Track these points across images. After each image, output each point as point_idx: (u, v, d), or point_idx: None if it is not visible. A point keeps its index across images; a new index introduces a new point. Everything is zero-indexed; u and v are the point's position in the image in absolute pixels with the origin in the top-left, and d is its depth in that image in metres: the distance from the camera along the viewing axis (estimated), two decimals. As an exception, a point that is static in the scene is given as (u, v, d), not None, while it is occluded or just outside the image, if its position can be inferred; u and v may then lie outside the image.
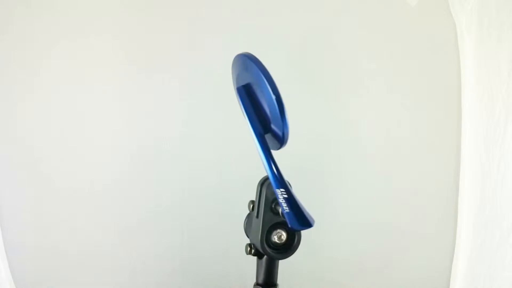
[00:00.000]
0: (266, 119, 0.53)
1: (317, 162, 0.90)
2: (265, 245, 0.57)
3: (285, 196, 0.51)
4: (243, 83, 0.55)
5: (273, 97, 0.48)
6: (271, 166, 0.52)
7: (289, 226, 0.53)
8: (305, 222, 0.52)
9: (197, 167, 0.88)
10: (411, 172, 0.88)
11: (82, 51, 0.85)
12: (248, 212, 0.62)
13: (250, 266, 0.63)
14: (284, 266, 0.62)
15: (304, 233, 0.65)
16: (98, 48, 0.85)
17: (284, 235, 0.57)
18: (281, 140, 0.52)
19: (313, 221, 0.53)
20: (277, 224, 0.57)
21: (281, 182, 0.51)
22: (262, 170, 0.60)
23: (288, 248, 0.57)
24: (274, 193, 0.53)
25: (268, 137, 0.53)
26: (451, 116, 0.85)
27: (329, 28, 0.88)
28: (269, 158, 0.52)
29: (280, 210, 0.54)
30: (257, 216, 0.58)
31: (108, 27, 0.86)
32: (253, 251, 0.59)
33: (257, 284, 0.60)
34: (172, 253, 0.89)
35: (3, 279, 0.81)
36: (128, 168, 0.87)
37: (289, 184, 0.54)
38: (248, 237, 0.63)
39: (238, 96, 0.56)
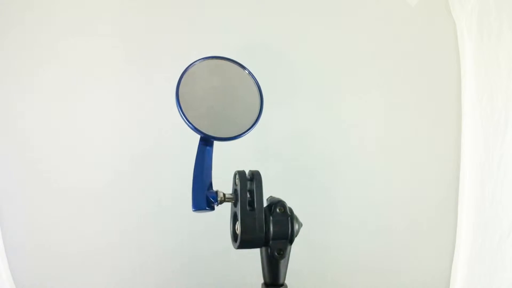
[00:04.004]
0: None
1: (318, 162, 0.90)
2: (231, 234, 0.58)
3: None
4: None
5: (183, 118, 0.57)
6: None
7: None
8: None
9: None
10: (411, 172, 0.88)
11: (82, 51, 0.85)
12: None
13: (250, 266, 0.63)
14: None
15: (306, 232, 0.65)
16: (98, 48, 0.85)
17: (238, 227, 0.56)
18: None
19: (194, 208, 0.55)
20: (235, 215, 0.57)
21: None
22: (261, 167, 0.60)
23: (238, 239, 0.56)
24: (234, 184, 0.57)
25: None
26: (451, 116, 0.85)
27: (329, 27, 0.88)
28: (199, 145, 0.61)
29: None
30: None
31: (108, 27, 0.86)
32: None
33: (264, 284, 0.59)
34: (172, 253, 0.89)
35: (3, 279, 0.81)
36: (128, 168, 0.87)
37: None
38: None
39: None
